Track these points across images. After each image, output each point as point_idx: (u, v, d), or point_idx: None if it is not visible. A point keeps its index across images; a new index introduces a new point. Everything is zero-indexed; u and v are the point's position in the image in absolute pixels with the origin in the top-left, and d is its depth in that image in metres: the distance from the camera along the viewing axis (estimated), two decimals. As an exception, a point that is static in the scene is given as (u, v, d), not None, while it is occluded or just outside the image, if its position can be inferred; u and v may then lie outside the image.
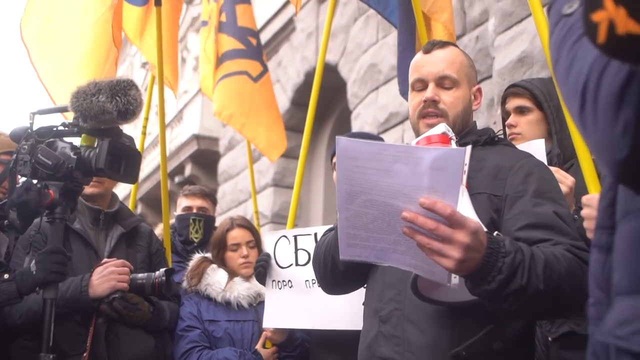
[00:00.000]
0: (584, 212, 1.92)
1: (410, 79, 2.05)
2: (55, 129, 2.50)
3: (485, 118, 5.13)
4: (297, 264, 2.90)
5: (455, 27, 5.70)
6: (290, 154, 7.55)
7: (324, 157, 9.14)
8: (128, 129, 2.69)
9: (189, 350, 2.99)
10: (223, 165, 10.98)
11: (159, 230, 4.17)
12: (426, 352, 1.74)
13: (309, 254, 2.82)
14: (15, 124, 2.55)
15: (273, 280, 2.96)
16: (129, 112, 2.40)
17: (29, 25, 3.63)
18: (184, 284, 3.26)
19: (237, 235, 3.29)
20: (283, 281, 2.93)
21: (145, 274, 2.82)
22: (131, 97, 2.40)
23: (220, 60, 5.85)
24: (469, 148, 1.56)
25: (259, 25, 6.93)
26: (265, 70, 6.08)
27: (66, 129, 2.51)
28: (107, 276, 2.67)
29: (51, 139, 2.47)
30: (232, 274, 3.22)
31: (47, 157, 2.37)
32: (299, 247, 2.90)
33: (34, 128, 2.50)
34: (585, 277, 1.54)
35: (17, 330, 2.66)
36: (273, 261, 2.96)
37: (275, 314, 2.92)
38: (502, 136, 2.11)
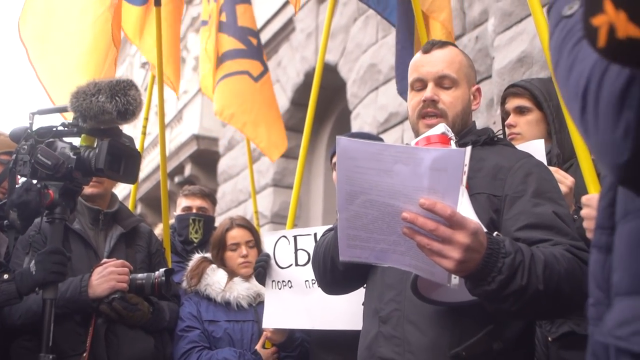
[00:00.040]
0: (584, 212, 1.91)
1: (410, 79, 2.05)
2: (54, 129, 2.50)
3: (484, 118, 5.13)
4: (296, 264, 2.90)
5: (454, 27, 5.71)
6: (289, 154, 7.55)
7: (324, 157, 9.14)
8: (128, 129, 2.68)
9: (188, 350, 2.99)
10: (223, 165, 10.97)
11: (158, 230, 4.17)
12: (426, 353, 1.74)
13: (308, 254, 2.81)
14: (15, 124, 2.55)
15: (273, 281, 2.95)
16: (129, 112, 2.40)
17: (27, 25, 3.63)
18: (184, 284, 3.26)
19: (236, 235, 3.29)
20: (283, 281, 2.92)
21: (145, 274, 2.82)
22: (131, 97, 2.40)
23: (220, 60, 5.85)
24: (468, 149, 1.57)
25: (258, 25, 6.94)
26: (265, 70, 6.08)
27: (66, 129, 2.51)
28: (106, 276, 2.67)
29: (51, 139, 2.47)
30: (231, 274, 3.21)
31: (47, 157, 2.37)
32: (298, 248, 2.90)
33: (34, 128, 2.49)
34: (584, 277, 1.54)
35: (16, 331, 2.66)
36: (273, 261, 2.95)
37: (275, 314, 2.92)
38: (501, 136, 2.11)
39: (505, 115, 2.79)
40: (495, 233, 1.58)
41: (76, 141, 2.50)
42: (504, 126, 2.77)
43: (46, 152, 2.39)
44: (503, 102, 2.80)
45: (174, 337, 3.04)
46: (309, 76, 8.42)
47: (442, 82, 1.98)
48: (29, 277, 2.35)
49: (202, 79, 6.16)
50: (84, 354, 2.63)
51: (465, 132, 2.00)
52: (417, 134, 1.98)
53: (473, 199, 1.70)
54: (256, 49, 6.04)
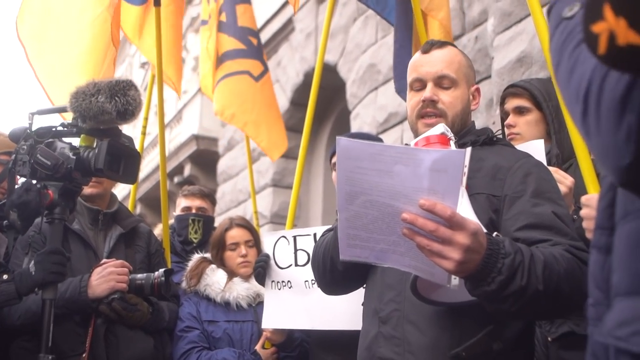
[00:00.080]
0: (583, 212, 1.91)
1: (409, 79, 2.05)
2: (54, 129, 2.50)
3: (484, 118, 5.13)
4: (296, 265, 2.90)
5: (454, 27, 5.72)
6: (289, 154, 7.55)
7: (323, 157, 9.14)
8: (127, 129, 2.68)
9: (188, 350, 2.99)
10: (222, 165, 10.97)
11: (158, 230, 4.17)
12: (426, 353, 1.74)
13: (308, 255, 2.81)
14: (14, 124, 2.55)
15: (272, 281, 2.95)
16: (128, 112, 2.40)
17: (25, 24, 3.62)
18: (183, 285, 3.26)
19: (235, 234, 3.29)
20: (282, 282, 2.92)
21: (145, 275, 2.82)
22: (130, 97, 2.40)
23: (220, 60, 5.85)
24: (468, 150, 1.56)
25: (258, 25, 6.94)
26: (266, 69, 6.09)
27: (65, 129, 2.50)
28: (106, 277, 2.67)
29: (50, 140, 2.47)
30: (231, 274, 3.21)
31: (46, 158, 2.37)
32: (298, 248, 2.90)
33: (33, 128, 2.49)
34: (584, 277, 1.54)
35: (16, 331, 2.65)
36: (272, 262, 2.95)
37: (275, 315, 2.92)
38: (500, 136, 2.11)
39: (504, 115, 2.79)
40: (495, 233, 1.58)
41: (76, 141, 2.50)
42: (503, 126, 2.77)
43: (45, 153, 2.38)
44: (502, 102, 2.80)
45: (174, 338, 3.04)
46: (308, 76, 8.42)
47: (441, 82, 1.98)
48: (28, 277, 2.35)
49: (202, 79, 6.16)
50: (84, 355, 2.62)
51: (464, 132, 2.00)
52: (416, 133, 1.98)
53: (472, 199, 1.70)
54: (256, 48, 6.05)
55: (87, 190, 2.84)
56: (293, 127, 8.40)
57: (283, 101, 9.01)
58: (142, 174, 12.61)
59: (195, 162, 12.97)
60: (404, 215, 1.44)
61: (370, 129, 7.00)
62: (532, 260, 1.54)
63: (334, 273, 2.03)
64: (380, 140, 3.79)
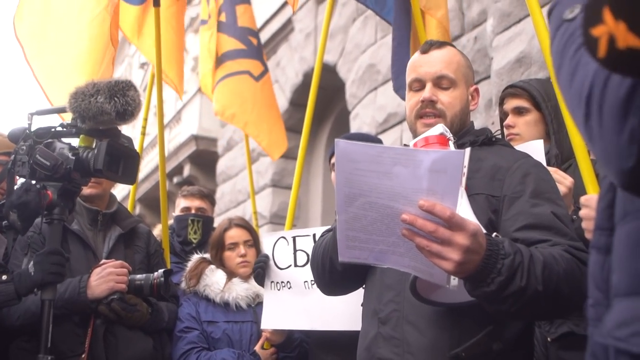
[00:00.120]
0: (583, 212, 1.92)
1: (408, 79, 2.05)
2: (53, 129, 2.49)
3: (483, 118, 5.13)
4: (295, 265, 2.89)
5: (453, 27, 5.72)
6: (288, 155, 7.55)
7: (323, 158, 9.14)
8: (127, 129, 2.68)
9: (187, 351, 2.98)
10: (221, 165, 10.97)
11: (157, 231, 4.17)
12: (425, 353, 1.74)
13: (307, 255, 2.81)
14: (14, 125, 2.55)
15: (272, 282, 2.95)
16: (128, 112, 2.40)
17: (23, 23, 3.61)
18: (183, 285, 3.26)
19: (234, 234, 3.29)
20: (282, 282, 2.92)
21: (144, 275, 2.81)
22: (130, 97, 2.40)
23: (220, 60, 5.85)
24: (467, 150, 1.56)
25: (257, 26, 6.94)
26: (266, 70, 6.09)
27: (64, 129, 2.50)
28: (105, 277, 2.67)
29: (49, 140, 2.47)
30: (230, 274, 3.21)
31: (46, 158, 2.37)
32: (297, 248, 2.90)
33: (32, 129, 2.49)
34: (583, 277, 1.54)
35: (15, 332, 2.65)
36: (272, 262, 2.95)
37: (274, 315, 2.92)
38: (499, 136, 2.11)
39: (503, 115, 2.79)
40: (494, 234, 1.58)
41: (75, 142, 2.50)
42: (502, 127, 2.77)
43: (45, 153, 2.38)
44: (501, 102, 2.80)
45: (173, 338, 3.04)
46: (307, 76, 8.43)
47: (440, 82, 1.98)
48: (27, 278, 2.35)
49: (202, 78, 6.15)
50: (83, 355, 2.62)
51: (463, 132, 2.00)
52: (414, 134, 1.98)
53: (471, 200, 1.70)
54: (256, 48, 6.05)
55: (86, 190, 2.84)
56: (292, 128, 8.40)
57: (282, 101, 9.01)
58: (141, 175, 12.62)
59: (195, 163, 12.97)
60: (404, 216, 1.43)
61: (370, 129, 7.00)
62: (531, 261, 1.54)
63: (333, 274, 2.03)
64: (379, 141, 3.79)
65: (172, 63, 4.83)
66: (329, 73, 7.85)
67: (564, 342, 2.41)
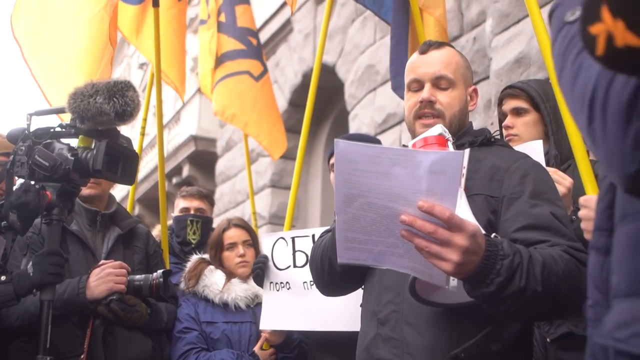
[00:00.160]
0: (582, 213, 1.92)
1: (406, 80, 2.05)
2: (52, 130, 2.49)
3: (482, 119, 5.14)
4: (295, 266, 2.89)
5: (452, 28, 5.72)
6: (288, 155, 7.55)
7: (322, 158, 9.14)
8: (126, 129, 2.67)
9: (186, 352, 2.98)
10: (220, 166, 10.97)
11: (156, 231, 4.16)
12: (425, 354, 1.74)
13: (306, 256, 2.81)
14: (13, 125, 2.54)
15: (271, 282, 2.95)
16: (127, 113, 2.39)
17: (20, 22, 3.60)
18: (182, 285, 3.26)
19: (233, 234, 3.29)
20: (281, 283, 2.92)
21: (143, 276, 2.81)
22: (129, 98, 2.39)
23: (220, 60, 5.85)
24: (467, 151, 1.56)
25: (256, 26, 6.94)
26: (265, 70, 6.09)
27: (63, 130, 2.50)
28: (104, 278, 2.67)
29: (48, 140, 2.46)
30: (229, 275, 3.21)
31: (44, 159, 2.37)
32: (296, 249, 2.90)
33: (31, 129, 2.48)
34: (582, 278, 1.55)
35: (14, 332, 2.65)
36: (271, 263, 2.95)
37: (273, 316, 2.92)
38: (498, 137, 2.11)
39: (502, 116, 2.79)
40: (493, 235, 1.58)
41: (74, 142, 2.49)
42: (501, 127, 2.77)
43: (44, 153, 2.38)
44: (500, 103, 2.80)
45: (172, 339, 3.04)
46: (306, 77, 8.43)
47: (439, 82, 1.98)
48: (26, 278, 2.34)
49: (202, 78, 6.15)
50: (82, 356, 2.62)
51: (462, 132, 2.00)
52: (413, 134, 1.98)
53: (470, 200, 1.70)
54: (256, 49, 6.05)
55: (85, 191, 2.84)
56: (291, 128, 8.41)
57: (281, 102, 9.01)
58: (140, 175, 12.61)
59: (194, 163, 12.97)
60: (403, 217, 1.43)
61: (369, 129, 7.00)
62: (530, 262, 1.54)
63: (332, 274, 2.03)
64: (378, 141, 3.79)
65: (173, 65, 4.83)
66: (328, 73, 7.85)
67: (563, 342, 2.41)
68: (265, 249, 3.00)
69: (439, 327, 1.75)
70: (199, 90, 11.82)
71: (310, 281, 2.72)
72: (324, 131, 9.45)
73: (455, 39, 5.77)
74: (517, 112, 2.70)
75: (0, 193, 2.76)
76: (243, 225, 3.39)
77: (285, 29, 9.52)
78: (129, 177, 2.56)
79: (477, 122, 4.97)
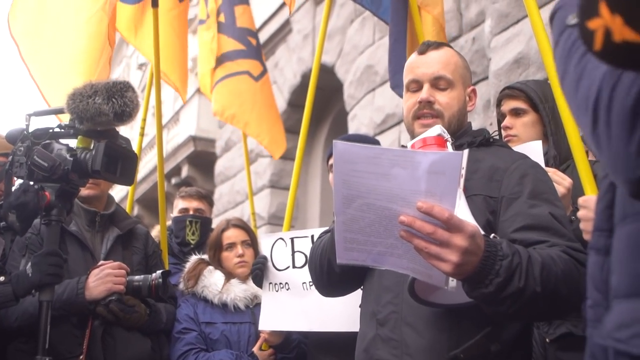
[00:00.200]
0: (581, 213, 1.92)
1: (405, 80, 2.05)
2: (51, 130, 2.49)
3: (481, 119, 5.14)
4: (294, 267, 2.89)
5: (451, 28, 5.72)
6: (287, 155, 7.55)
7: (321, 159, 9.14)
8: (125, 129, 2.67)
9: (185, 352, 2.98)
10: (220, 166, 10.97)
11: (155, 232, 4.17)
12: (424, 355, 1.74)
13: (306, 257, 2.81)
14: (11, 126, 2.54)
15: (270, 283, 2.95)
16: (126, 113, 2.39)
17: (18, 21, 3.59)
18: (181, 286, 3.25)
19: (231, 235, 3.29)
20: (280, 283, 2.92)
21: (142, 276, 2.81)
22: (128, 98, 2.39)
23: (219, 60, 5.85)
24: (466, 152, 1.56)
25: (255, 27, 6.93)
26: (265, 70, 6.10)
27: (62, 130, 2.49)
28: (103, 278, 2.67)
29: (47, 141, 2.46)
30: (228, 275, 3.21)
31: (43, 159, 2.36)
32: (295, 250, 2.90)
33: (30, 130, 2.48)
34: (581, 278, 1.55)
35: (13, 333, 2.65)
36: (270, 263, 2.95)
37: (272, 317, 2.92)
38: (497, 137, 2.11)
39: (501, 117, 2.79)
40: (492, 235, 1.58)
41: (73, 143, 2.49)
42: (500, 128, 2.77)
43: (42, 154, 2.38)
44: (499, 104, 2.80)
45: (171, 339, 3.03)
46: (305, 77, 8.43)
47: (437, 83, 1.98)
48: (25, 279, 2.34)
49: (201, 78, 6.15)
50: (81, 356, 2.62)
51: (461, 133, 2.01)
52: (412, 134, 1.98)
53: (469, 201, 1.70)
54: (255, 49, 6.05)
55: (84, 191, 2.84)
56: (290, 128, 8.41)
57: (280, 102, 9.01)
58: (139, 175, 12.60)
59: (193, 164, 12.97)
60: (402, 218, 1.43)
61: (368, 130, 7.00)
62: (529, 262, 1.54)
63: (331, 275, 2.03)
64: (377, 142, 3.79)
65: (174, 66, 4.83)
66: (327, 74, 7.85)
67: (562, 343, 2.41)
68: (265, 250, 3.00)
69: (438, 328, 1.75)
70: (198, 90, 11.83)
71: (310, 282, 2.72)
72: (323, 131, 9.45)
73: (454, 40, 5.78)
74: (516, 112, 2.70)
75: (-1, 194, 2.76)
76: (242, 225, 3.39)
77: (284, 29, 9.52)
78: (127, 177, 2.56)
79: (476, 122, 4.97)
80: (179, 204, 4.13)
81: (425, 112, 1.96)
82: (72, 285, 2.65)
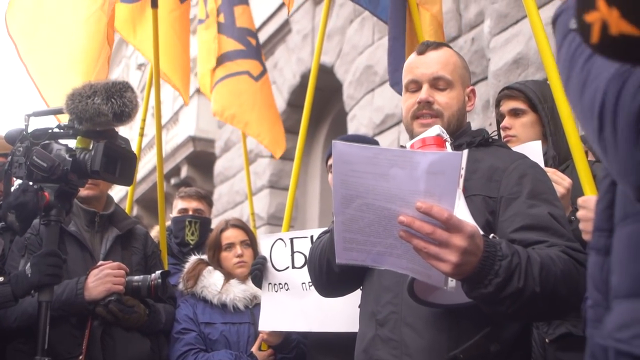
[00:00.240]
0: (580, 213, 1.92)
1: (404, 81, 2.05)
2: (50, 131, 2.49)
3: (480, 120, 5.14)
4: (293, 267, 2.89)
5: (451, 28, 5.72)
6: (286, 156, 7.55)
7: (320, 159, 9.14)
8: (125, 130, 2.67)
9: (184, 352, 2.98)
10: (219, 167, 10.97)
11: (155, 232, 4.16)
12: (424, 355, 1.74)
13: (305, 257, 2.81)
14: (11, 126, 2.54)
15: (269, 283, 2.95)
16: (125, 114, 2.39)
17: (15, 20, 3.59)
18: (180, 286, 3.25)
19: (230, 235, 3.30)
20: (279, 284, 2.92)
21: (141, 277, 2.81)
22: (127, 99, 2.39)
23: (219, 60, 5.85)
24: (465, 152, 1.56)
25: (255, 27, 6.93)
26: (264, 70, 6.09)
27: (61, 131, 2.49)
28: (102, 279, 2.66)
29: (46, 141, 2.46)
30: (228, 275, 3.21)
31: (42, 159, 2.36)
32: (295, 250, 2.90)
33: (29, 130, 2.48)
34: (581, 278, 1.55)
35: (12, 333, 2.65)
36: (269, 264, 2.95)
37: (272, 317, 2.91)
38: (496, 137, 2.11)
39: (500, 117, 2.79)
40: (492, 235, 1.58)
41: (72, 143, 2.49)
42: (499, 128, 2.77)
43: (42, 154, 2.37)
44: (498, 104, 2.80)
45: (170, 340, 3.03)
46: (305, 78, 8.42)
47: (436, 83, 1.98)
48: (24, 279, 2.34)
49: (201, 78, 6.14)
50: (80, 357, 2.62)
51: (460, 133, 2.01)
52: (411, 134, 1.98)
53: (468, 201, 1.70)
54: (255, 49, 6.05)
55: (83, 192, 2.84)
56: (290, 129, 8.40)
57: (280, 102, 9.01)
58: (139, 176, 12.60)
59: (192, 164, 12.96)
60: (401, 218, 1.43)
61: (367, 130, 7.00)
62: (529, 262, 1.54)
63: (331, 275, 2.03)
64: (376, 142, 3.79)
65: (176, 68, 4.83)
66: (327, 74, 7.86)
67: (562, 343, 2.41)
68: (264, 250, 3.00)
69: (437, 328, 1.75)
70: (197, 91, 11.81)
71: (309, 282, 2.71)
72: (323, 132, 9.45)
73: (453, 40, 5.78)
74: (515, 113, 2.70)
75: (-2, 194, 2.76)
76: (240, 225, 3.39)
77: (284, 29, 9.52)
78: (127, 177, 2.56)
79: (476, 122, 4.97)
80: (178, 204, 4.13)
81: (425, 112, 1.96)
82: (71, 285, 2.65)
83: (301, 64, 8.91)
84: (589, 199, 1.90)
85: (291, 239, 2.92)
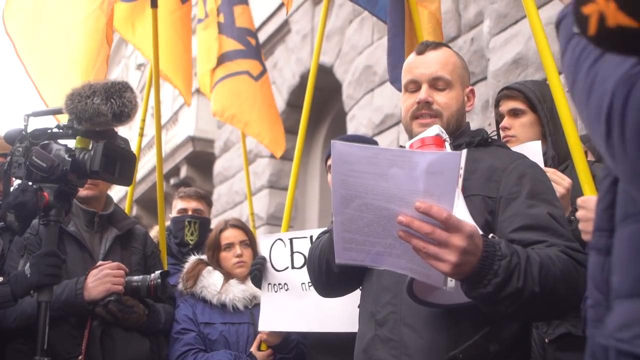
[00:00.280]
0: (580, 213, 1.92)
1: (403, 81, 2.05)
2: (49, 131, 2.48)
3: (480, 120, 5.14)
4: (293, 267, 2.89)
5: (450, 28, 5.72)
6: (285, 156, 7.55)
7: (319, 159, 9.14)
8: (124, 130, 2.67)
9: (184, 352, 2.98)
10: (218, 167, 10.97)
11: (154, 232, 4.16)
12: (423, 355, 1.74)
13: (304, 257, 2.81)
14: (10, 126, 2.54)
15: (269, 283, 2.95)
16: (124, 114, 2.39)
17: (14, 19, 3.58)
18: (180, 286, 3.25)
19: (230, 235, 3.30)
20: (279, 284, 2.92)
21: (141, 277, 2.81)
22: (126, 99, 2.39)
23: (219, 60, 5.85)
24: (464, 152, 1.56)
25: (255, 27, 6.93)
26: (264, 70, 6.09)
27: (61, 131, 2.49)
28: (102, 279, 2.66)
29: (46, 141, 2.46)
30: (227, 275, 3.21)
31: (42, 160, 2.36)
32: (294, 250, 2.90)
33: (29, 130, 2.48)
34: (580, 278, 1.55)
35: (11, 334, 2.65)
36: (269, 264, 2.95)
37: (271, 317, 2.91)
38: (495, 137, 2.11)
39: (499, 118, 2.79)
40: (491, 235, 1.58)
41: (71, 143, 2.49)
42: (498, 129, 2.77)
43: (41, 154, 2.37)
44: (497, 104, 2.80)
45: (170, 340, 3.03)
46: (304, 78, 8.41)
47: (436, 83, 1.98)
48: (23, 279, 2.34)
49: (201, 77, 6.14)
50: (80, 357, 2.62)
51: (459, 133, 2.01)
52: (410, 134, 1.98)
53: (468, 201, 1.70)
54: (255, 49, 6.05)
55: (82, 192, 2.84)
56: (289, 129, 8.39)
57: (279, 102, 9.00)
58: (138, 176, 12.59)
59: (192, 164, 12.96)
60: (400, 218, 1.43)
61: (367, 130, 7.00)
62: (528, 262, 1.54)
63: (330, 275, 2.03)
64: (375, 142, 3.79)
65: (177, 69, 4.83)
66: (326, 74, 7.86)
67: (561, 343, 2.41)
68: (263, 251, 3.00)
69: (437, 328, 1.75)
70: (197, 91, 11.81)
71: (308, 282, 2.71)
72: (322, 132, 9.45)
73: (452, 40, 5.78)
74: (514, 113, 2.70)
75: (-2, 194, 2.76)
76: (240, 225, 3.40)
77: (283, 29, 9.51)
78: (126, 178, 2.56)
79: (475, 122, 4.97)
80: (178, 205, 4.13)
81: (424, 112, 1.96)
82: (70, 285, 2.65)
83: (300, 64, 8.91)
84: (589, 199, 1.91)
85: (290, 239, 2.92)
